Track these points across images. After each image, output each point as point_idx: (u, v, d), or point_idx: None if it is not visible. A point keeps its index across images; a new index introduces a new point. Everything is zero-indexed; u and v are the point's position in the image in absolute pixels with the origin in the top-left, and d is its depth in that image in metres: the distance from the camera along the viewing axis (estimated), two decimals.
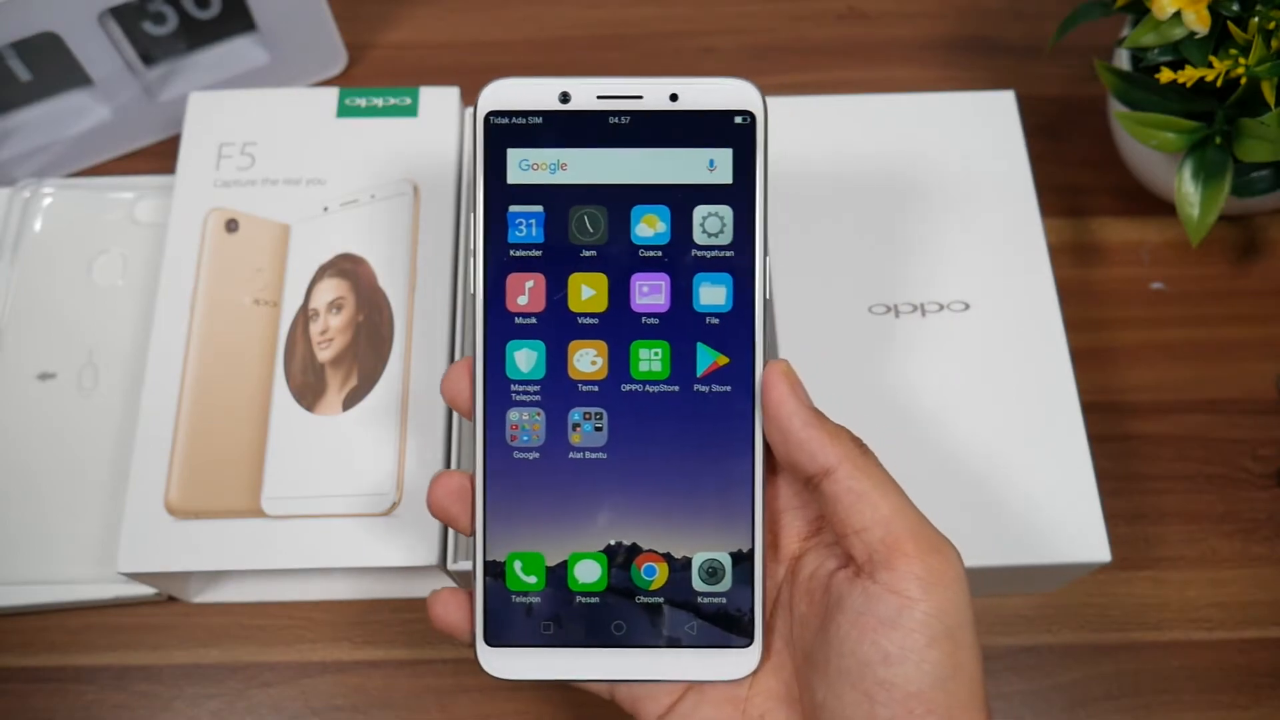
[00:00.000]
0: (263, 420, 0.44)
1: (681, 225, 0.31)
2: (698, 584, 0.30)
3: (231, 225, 0.48)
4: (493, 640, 0.30)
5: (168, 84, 0.56)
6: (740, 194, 0.30)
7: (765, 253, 0.31)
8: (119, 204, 0.52)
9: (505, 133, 0.31)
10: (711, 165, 0.31)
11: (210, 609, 0.47)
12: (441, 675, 0.46)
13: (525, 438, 0.31)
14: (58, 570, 0.45)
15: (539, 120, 0.31)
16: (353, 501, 0.43)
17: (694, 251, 0.30)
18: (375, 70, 0.60)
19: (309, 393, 0.45)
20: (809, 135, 0.49)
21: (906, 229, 0.48)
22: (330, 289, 0.46)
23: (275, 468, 0.43)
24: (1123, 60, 0.51)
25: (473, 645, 0.31)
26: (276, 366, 0.45)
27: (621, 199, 0.31)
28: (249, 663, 0.46)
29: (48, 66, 0.53)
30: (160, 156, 0.56)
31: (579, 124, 0.31)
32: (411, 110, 0.50)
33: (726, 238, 0.30)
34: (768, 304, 0.31)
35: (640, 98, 0.30)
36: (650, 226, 0.31)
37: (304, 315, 0.46)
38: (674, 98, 0.30)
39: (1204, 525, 0.49)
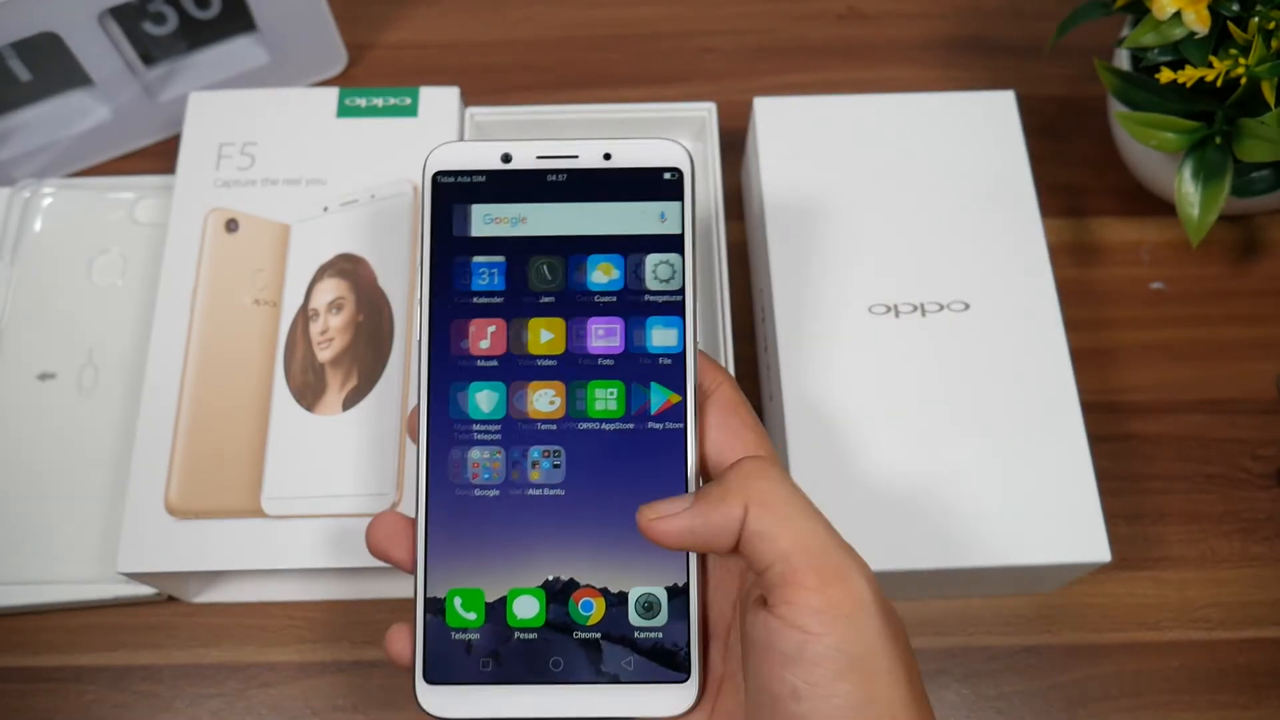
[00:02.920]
0: (263, 420, 0.44)
1: (621, 272, 0.32)
2: (634, 619, 0.31)
3: (231, 225, 0.48)
4: (432, 677, 0.31)
5: (168, 84, 0.56)
6: (669, 240, 0.32)
7: (694, 296, 0.32)
8: (119, 204, 0.52)
9: (451, 191, 0.33)
10: (655, 216, 0.32)
11: (210, 609, 0.47)
12: None
13: (466, 475, 0.32)
14: (58, 570, 0.46)
15: (482, 179, 0.33)
16: (353, 501, 0.43)
17: (628, 295, 0.32)
18: (375, 70, 0.60)
19: (309, 393, 0.45)
20: (809, 135, 0.50)
21: (906, 229, 0.48)
22: (330, 289, 0.46)
23: (275, 468, 0.43)
24: (1123, 60, 0.51)
25: (412, 684, 0.31)
26: (276, 366, 0.45)
27: (559, 249, 0.32)
28: (249, 663, 0.46)
29: (48, 66, 0.53)
30: (160, 156, 0.56)
31: (519, 182, 0.33)
32: (411, 110, 0.50)
33: (654, 284, 0.32)
34: (697, 340, 0.32)
35: (576, 157, 0.33)
36: (604, 273, 0.32)
37: (304, 315, 0.46)
38: (607, 157, 0.33)
39: (1204, 525, 0.49)
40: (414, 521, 0.31)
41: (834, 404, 0.44)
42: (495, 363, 0.32)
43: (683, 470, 0.31)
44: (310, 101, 0.50)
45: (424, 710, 0.30)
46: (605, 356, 0.32)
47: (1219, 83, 0.45)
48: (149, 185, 0.52)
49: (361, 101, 0.50)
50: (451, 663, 0.31)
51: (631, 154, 0.33)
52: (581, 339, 0.32)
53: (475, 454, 0.31)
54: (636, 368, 0.32)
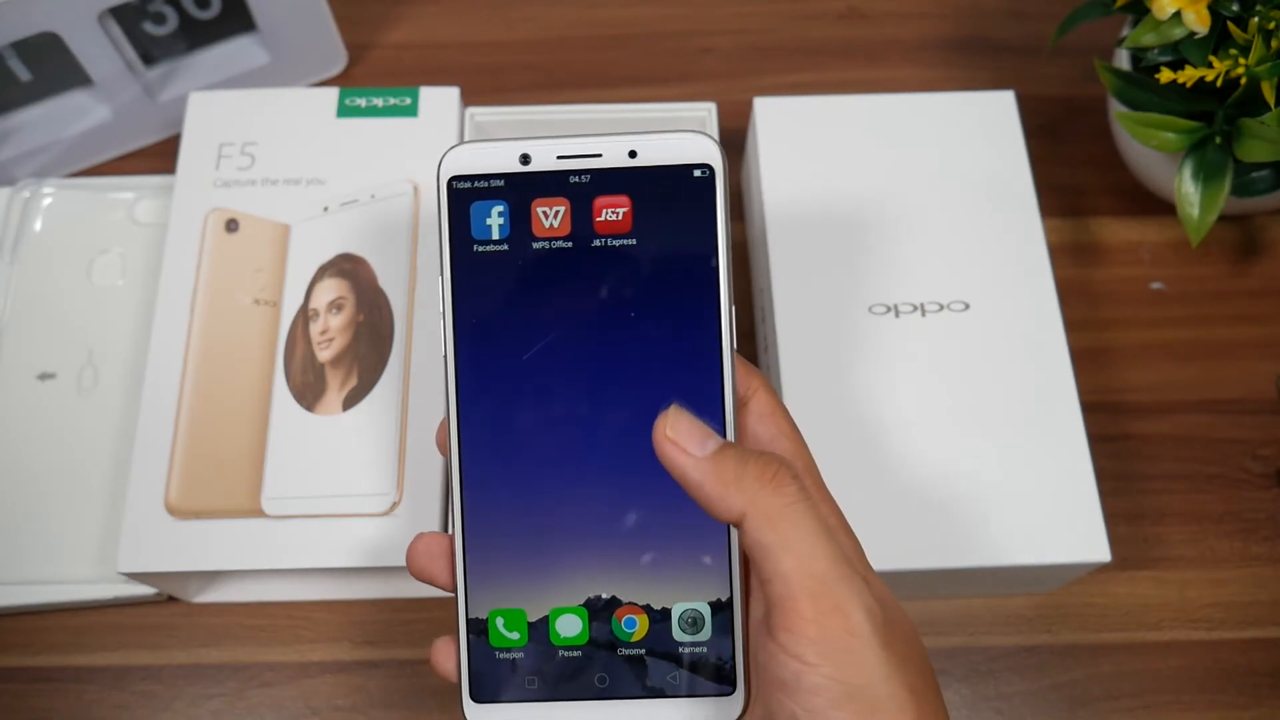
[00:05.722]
0: (263, 420, 0.44)
1: (647, 272, 0.31)
2: (678, 634, 0.30)
3: (231, 225, 0.48)
4: (478, 697, 0.30)
5: (168, 84, 0.56)
6: (703, 243, 0.30)
7: (729, 292, 0.30)
8: (119, 204, 0.52)
9: (468, 196, 0.31)
10: (672, 217, 0.31)
11: (210, 609, 0.47)
12: None
13: (502, 492, 0.31)
14: (58, 570, 0.45)
15: (500, 183, 0.31)
16: (353, 501, 0.43)
17: (660, 297, 0.30)
18: (375, 70, 0.60)
19: (309, 393, 0.45)
20: (809, 135, 0.50)
21: (907, 229, 0.48)
22: (330, 289, 0.46)
23: (275, 468, 0.43)
24: (1123, 60, 0.51)
25: (460, 702, 0.31)
26: (276, 366, 0.45)
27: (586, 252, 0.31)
28: (249, 663, 0.46)
29: (48, 66, 0.53)
30: (160, 156, 0.56)
31: (540, 184, 0.31)
32: (411, 110, 0.50)
33: (693, 281, 0.30)
34: (734, 344, 0.31)
35: (599, 155, 0.31)
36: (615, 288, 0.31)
37: (304, 315, 0.46)
38: (633, 154, 0.30)
39: (1204, 525, 0.49)
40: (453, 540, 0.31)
41: (834, 404, 0.44)
42: (525, 373, 0.31)
43: None
44: (310, 101, 0.50)
45: None
46: (639, 361, 0.31)
47: (1219, 83, 0.45)
48: (149, 185, 0.52)
49: (361, 101, 0.50)
50: (497, 681, 0.30)
51: (658, 151, 0.30)
52: (614, 344, 0.30)
53: (510, 470, 0.31)
54: (672, 373, 0.30)
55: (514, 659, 0.30)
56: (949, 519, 0.42)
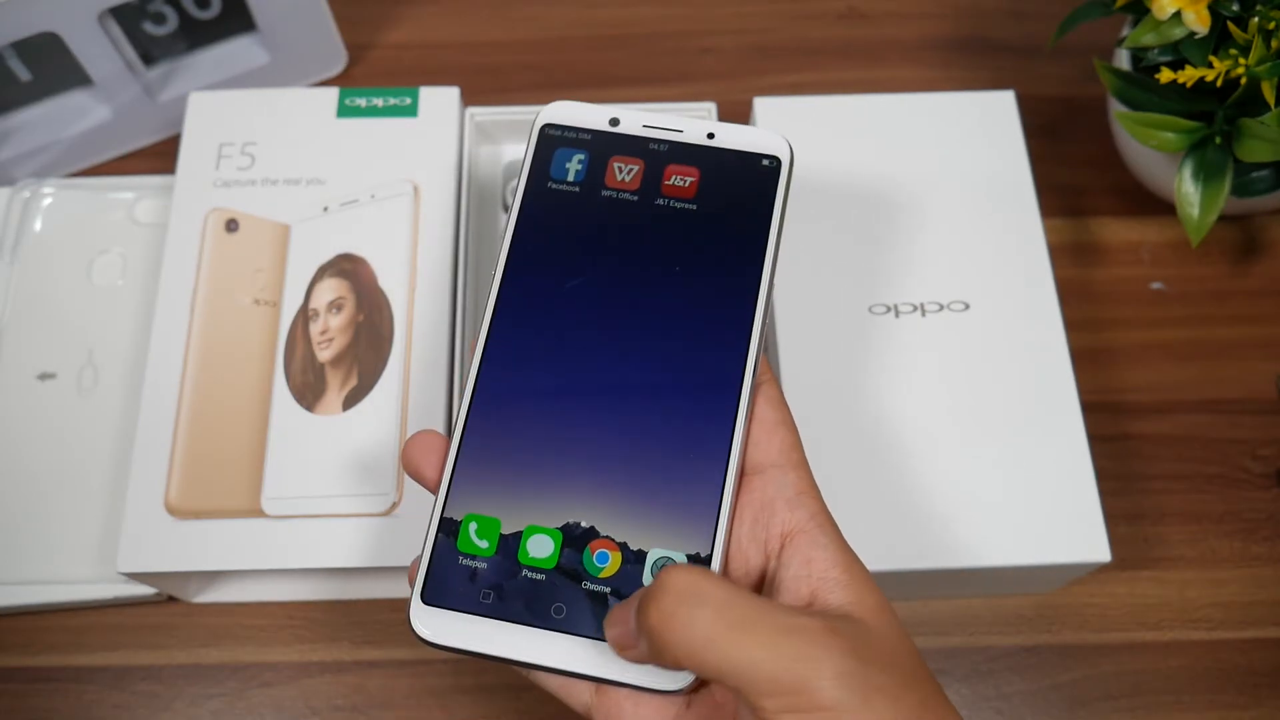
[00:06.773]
0: (263, 420, 0.44)
1: (699, 239, 0.33)
2: (648, 581, 0.29)
3: (231, 225, 0.48)
4: (429, 599, 0.30)
5: (168, 84, 0.56)
6: (757, 224, 0.33)
7: (771, 278, 0.32)
8: (119, 204, 0.52)
9: (555, 142, 0.34)
10: (734, 196, 0.33)
11: (210, 609, 0.47)
12: (442, 675, 0.46)
13: (512, 407, 0.31)
14: (58, 570, 0.45)
15: (587, 137, 0.34)
16: (353, 501, 0.43)
17: (706, 264, 0.33)
18: (375, 70, 0.60)
19: (309, 393, 0.45)
20: (809, 135, 0.50)
21: (907, 229, 0.48)
22: (330, 289, 0.46)
23: (275, 468, 0.43)
24: (1123, 60, 0.51)
25: (408, 609, 0.30)
26: (276, 366, 0.45)
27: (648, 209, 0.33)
28: (249, 663, 0.46)
29: (48, 66, 0.53)
30: (160, 156, 0.56)
31: (622, 144, 0.34)
32: (411, 110, 0.50)
33: (740, 257, 0.33)
34: (765, 327, 0.32)
35: (681, 131, 0.34)
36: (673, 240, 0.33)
37: (304, 315, 0.46)
38: (710, 135, 0.34)
39: (1204, 525, 0.49)
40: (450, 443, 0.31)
41: (834, 404, 0.44)
42: (563, 302, 0.32)
43: (726, 448, 0.30)
44: (310, 101, 0.50)
45: (415, 633, 0.30)
46: (673, 315, 0.32)
47: (1219, 83, 0.45)
48: (149, 185, 0.52)
49: (361, 101, 0.50)
50: (452, 587, 0.30)
51: (734, 137, 0.34)
52: (654, 295, 0.32)
53: (523, 386, 0.32)
54: (703, 336, 0.32)
55: (476, 568, 0.30)
56: (949, 519, 0.42)
